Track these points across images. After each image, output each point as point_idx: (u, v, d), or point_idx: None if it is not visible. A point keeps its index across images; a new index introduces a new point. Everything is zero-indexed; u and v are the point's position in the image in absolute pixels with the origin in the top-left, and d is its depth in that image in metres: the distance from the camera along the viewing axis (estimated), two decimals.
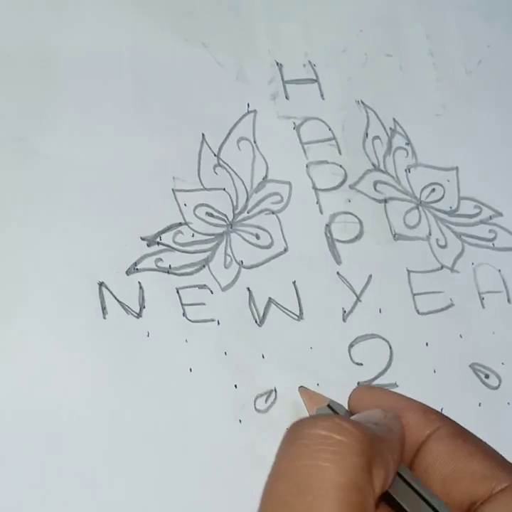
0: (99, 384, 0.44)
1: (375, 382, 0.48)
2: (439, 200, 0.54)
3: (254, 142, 0.53)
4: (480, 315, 0.52)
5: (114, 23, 0.53)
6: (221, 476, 0.44)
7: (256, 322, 0.48)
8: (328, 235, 0.51)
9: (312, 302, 0.49)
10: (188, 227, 0.49)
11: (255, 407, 0.46)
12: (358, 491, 0.27)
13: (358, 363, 0.48)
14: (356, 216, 0.52)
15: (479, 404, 0.49)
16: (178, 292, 0.47)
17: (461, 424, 0.47)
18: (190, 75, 0.53)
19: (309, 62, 0.56)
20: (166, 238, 0.48)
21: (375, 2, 0.59)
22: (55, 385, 0.44)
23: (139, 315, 0.46)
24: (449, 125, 0.57)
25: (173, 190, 0.50)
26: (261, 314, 0.48)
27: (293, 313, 0.49)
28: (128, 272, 0.47)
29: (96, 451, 0.43)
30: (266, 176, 0.52)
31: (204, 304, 0.47)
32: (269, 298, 0.49)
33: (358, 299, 0.50)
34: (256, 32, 0.56)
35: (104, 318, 0.46)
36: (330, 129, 0.55)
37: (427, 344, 0.50)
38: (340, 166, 0.54)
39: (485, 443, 0.33)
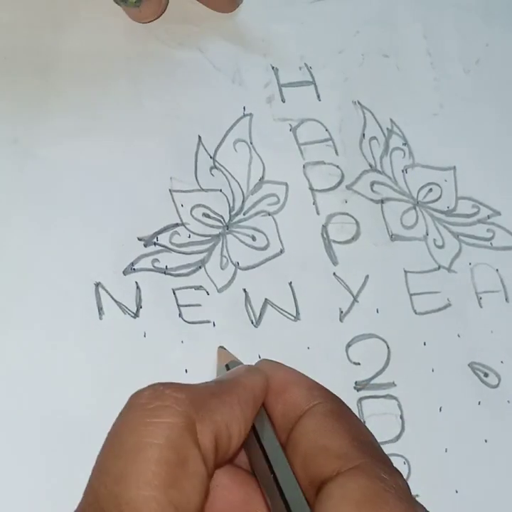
0: (95, 384, 0.44)
1: (373, 381, 0.48)
2: (437, 200, 0.54)
3: (251, 143, 0.53)
4: (478, 314, 0.51)
5: (109, 26, 0.54)
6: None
7: (252, 323, 0.48)
8: (325, 235, 0.51)
9: (309, 303, 0.49)
10: (185, 228, 0.49)
11: None
12: (173, 448, 0.28)
13: (355, 363, 0.48)
14: (353, 217, 0.52)
15: (479, 403, 0.49)
16: (174, 293, 0.47)
17: (462, 423, 0.48)
18: (186, 78, 0.54)
19: (305, 64, 0.56)
20: (163, 239, 0.49)
21: (372, 2, 0.59)
22: (51, 386, 0.44)
23: (136, 315, 0.46)
24: (447, 125, 0.57)
25: (170, 190, 0.50)
26: (257, 315, 0.48)
27: (289, 314, 0.49)
28: (125, 272, 0.47)
29: (92, 452, 0.42)
30: (262, 177, 0.52)
31: (200, 305, 0.48)
32: (266, 299, 0.49)
33: (355, 299, 0.50)
34: (251, 36, 0.56)
35: (101, 318, 0.46)
36: (326, 130, 0.55)
37: (424, 344, 0.50)
38: (337, 166, 0.54)
39: (361, 425, 0.32)
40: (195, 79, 0.54)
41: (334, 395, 0.33)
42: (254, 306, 0.48)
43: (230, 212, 0.51)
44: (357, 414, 0.47)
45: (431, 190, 0.55)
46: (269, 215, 0.51)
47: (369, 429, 0.46)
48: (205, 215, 0.50)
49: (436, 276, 0.52)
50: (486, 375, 0.50)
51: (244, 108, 0.54)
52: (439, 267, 0.52)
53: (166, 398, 0.29)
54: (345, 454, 0.29)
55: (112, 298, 0.46)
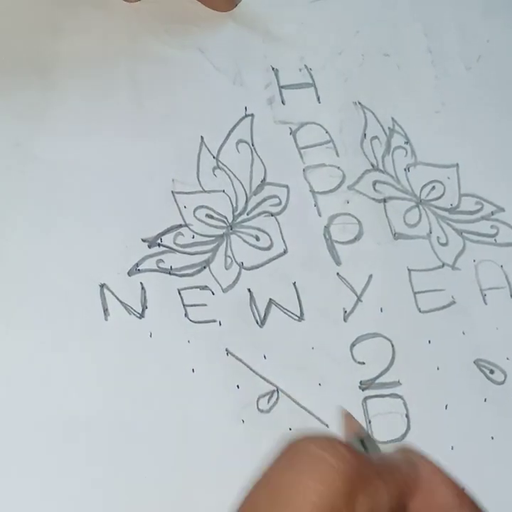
0: (101, 385, 0.44)
1: (378, 380, 0.48)
2: (440, 197, 0.54)
3: (252, 145, 0.53)
4: (482, 311, 0.51)
5: (109, 29, 0.54)
6: (224, 476, 0.43)
7: (257, 323, 0.48)
8: (327, 236, 0.51)
9: (313, 303, 0.49)
10: (189, 228, 0.49)
11: (258, 407, 0.46)
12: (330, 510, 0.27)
13: (360, 362, 0.48)
14: (355, 217, 0.53)
15: (485, 400, 0.49)
16: (179, 293, 0.47)
17: (468, 420, 0.48)
18: (188, 78, 0.54)
19: (305, 66, 0.57)
20: (167, 240, 0.49)
21: (372, 2, 0.60)
22: (57, 387, 0.44)
23: (141, 315, 0.46)
24: (449, 122, 0.57)
25: (172, 192, 0.50)
26: (262, 315, 0.48)
27: (294, 314, 0.49)
28: (130, 273, 0.47)
29: (99, 453, 0.43)
30: (264, 179, 0.52)
31: (206, 304, 0.47)
32: (270, 299, 0.49)
33: (359, 299, 0.50)
34: (251, 37, 0.56)
35: (106, 319, 0.46)
36: (327, 132, 0.55)
37: (429, 342, 0.50)
38: (338, 167, 0.54)
39: None
40: (197, 79, 0.54)
41: (476, 503, 0.33)
42: (259, 305, 0.48)
43: (233, 212, 0.51)
44: (362, 413, 0.47)
45: (434, 188, 0.55)
46: (272, 215, 0.51)
47: (374, 428, 0.46)
48: (208, 216, 0.50)
49: (441, 273, 0.52)
50: (491, 371, 0.50)
51: (245, 108, 0.54)
52: (443, 265, 0.52)
53: (338, 457, 0.28)
54: None
55: (118, 299, 0.46)
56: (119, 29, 0.54)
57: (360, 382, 0.48)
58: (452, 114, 0.57)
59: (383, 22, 0.59)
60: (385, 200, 0.53)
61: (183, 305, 0.47)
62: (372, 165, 0.54)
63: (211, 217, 0.50)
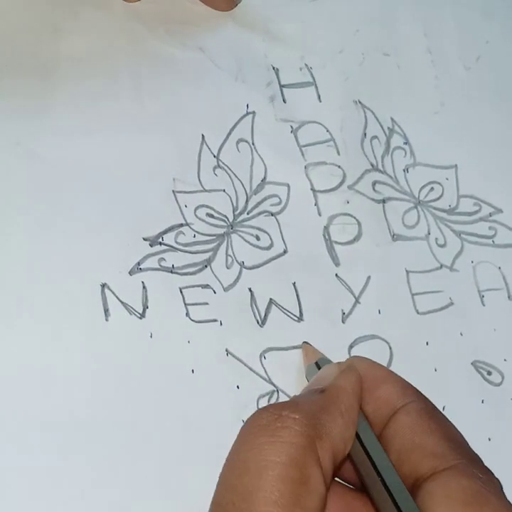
0: (101, 386, 0.44)
1: None
2: (438, 198, 0.55)
3: (253, 144, 0.53)
4: (480, 313, 0.52)
5: (109, 28, 0.54)
6: None
7: (258, 322, 0.48)
8: (327, 237, 0.52)
9: (312, 304, 0.49)
10: (190, 227, 0.49)
11: (258, 408, 0.45)
12: (297, 466, 0.29)
13: None
14: (354, 217, 0.53)
15: (482, 401, 0.49)
16: (181, 292, 0.47)
17: (465, 422, 0.48)
18: (188, 77, 0.54)
19: (306, 65, 0.57)
20: (168, 239, 0.48)
21: (372, 2, 0.60)
22: (57, 388, 0.43)
23: (142, 315, 0.46)
24: (448, 123, 0.57)
25: (173, 191, 0.50)
26: (262, 315, 0.48)
27: (293, 315, 0.49)
28: (131, 272, 0.47)
29: (98, 453, 0.43)
30: (264, 178, 0.52)
31: (207, 303, 0.47)
32: (270, 299, 0.49)
33: (357, 300, 0.50)
34: (252, 36, 0.56)
35: (107, 320, 0.45)
36: (327, 131, 0.55)
37: (427, 343, 0.50)
38: (339, 166, 0.54)
39: (452, 425, 0.34)
40: (197, 78, 0.54)
41: (424, 395, 0.35)
42: (260, 305, 0.48)
43: (233, 211, 0.51)
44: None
45: (432, 189, 0.55)
46: (272, 215, 0.51)
47: None
48: (209, 215, 0.50)
49: (439, 275, 0.52)
50: (489, 373, 0.50)
51: (247, 106, 0.54)
52: (441, 266, 0.52)
53: (285, 419, 0.30)
54: (442, 453, 0.31)
55: (118, 299, 0.46)
56: (119, 29, 0.54)
57: None
58: (451, 115, 0.57)
59: (383, 22, 0.59)
60: (384, 201, 0.53)
61: (185, 304, 0.47)
62: (372, 165, 0.54)
63: (212, 216, 0.50)
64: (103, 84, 0.52)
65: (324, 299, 0.50)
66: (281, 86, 0.55)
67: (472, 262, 0.53)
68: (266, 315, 0.48)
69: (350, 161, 0.54)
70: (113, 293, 0.46)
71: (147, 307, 0.46)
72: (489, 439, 0.48)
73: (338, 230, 0.52)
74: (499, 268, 0.53)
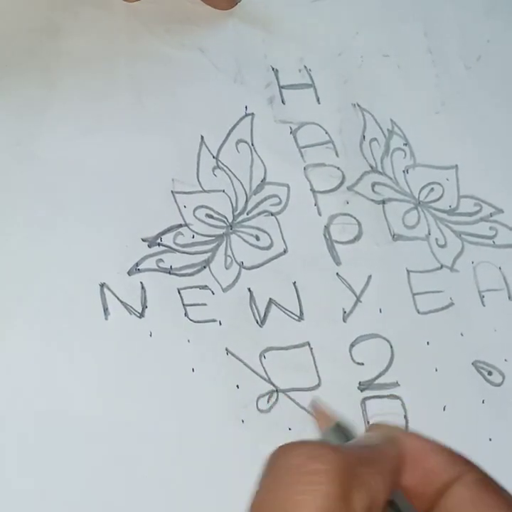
0: (101, 385, 0.44)
1: (377, 381, 0.48)
2: (438, 199, 0.55)
3: (252, 145, 0.53)
4: (481, 313, 0.52)
5: (109, 29, 0.54)
6: (224, 477, 0.43)
7: (257, 322, 0.48)
8: (327, 236, 0.52)
9: (312, 303, 0.49)
10: (188, 228, 0.49)
11: (257, 407, 0.46)
12: None
13: (359, 363, 0.48)
14: (355, 217, 0.53)
15: (483, 402, 0.49)
16: (179, 293, 0.47)
17: (466, 422, 0.48)
18: (187, 77, 0.54)
19: (305, 67, 0.57)
20: (167, 239, 0.49)
21: (372, 2, 0.60)
22: (57, 387, 0.44)
23: (141, 315, 0.46)
24: (449, 122, 0.57)
25: (172, 192, 0.50)
26: (262, 315, 0.48)
27: (293, 314, 0.49)
28: (130, 273, 0.47)
29: (98, 452, 0.43)
30: (264, 179, 0.52)
31: (205, 304, 0.47)
32: (270, 298, 0.49)
33: (358, 299, 0.50)
34: (252, 37, 0.56)
35: (106, 319, 0.45)
36: (326, 133, 0.55)
37: (427, 343, 0.50)
38: (338, 168, 0.54)
39: (509, 494, 0.31)
40: (197, 78, 0.54)
41: (473, 462, 0.32)
42: (259, 305, 0.48)
43: (233, 212, 0.51)
44: (361, 414, 0.47)
45: (432, 189, 0.55)
46: (272, 215, 0.51)
47: None
48: (208, 215, 0.50)
49: (439, 275, 0.52)
50: (489, 373, 0.50)
51: (246, 107, 0.54)
52: (441, 266, 0.52)
53: (323, 461, 0.27)
54: None
55: (118, 298, 0.46)
56: (119, 29, 0.54)
57: (359, 383, 0.48)
58: (452, 115, 0.57)
59: (383, 22, 0.59)
60: (384, 202, 0.53)
61: (183, 305, 0.47)
62: (371, 166, 0.54)
63: (211, 217, 0.50)
64: (102, 86, 0.52)
65: (325, 298, 0.50)
66: (281, 87, 0.55)
67: (472, 262, 0.53)
68: (265, 315, 0.48)
69: (349, 163, 0.54)
70: (112, 293, 0.46)
71: (146, 307, 0.46)
72: (490, 439, 0.48)
73: (338, 229, 0.52)
74: (500, 268, 0.53)
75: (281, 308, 0.49)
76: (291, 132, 0.54)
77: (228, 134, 0.53)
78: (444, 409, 0.48)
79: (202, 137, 0.52)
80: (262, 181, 0.52)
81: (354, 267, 0.51)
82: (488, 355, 0.50)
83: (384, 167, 0.55)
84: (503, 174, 0.56)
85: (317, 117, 0.55)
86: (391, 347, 0.49)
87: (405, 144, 0.56)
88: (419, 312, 0.51)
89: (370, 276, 0.51)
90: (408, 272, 0.52)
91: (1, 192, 0.48)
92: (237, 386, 0.46)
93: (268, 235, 0.50)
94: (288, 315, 0.49)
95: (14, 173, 0.48)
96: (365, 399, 0.48)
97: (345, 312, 0.50)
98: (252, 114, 0.54)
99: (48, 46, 0.52)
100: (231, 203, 0.51)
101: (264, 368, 0.47)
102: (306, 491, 0.26)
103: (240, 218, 0.51)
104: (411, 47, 0.59)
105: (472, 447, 0.47)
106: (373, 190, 0.54)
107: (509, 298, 0.52)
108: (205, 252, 0.49)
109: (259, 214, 0.51)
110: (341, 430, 0.35)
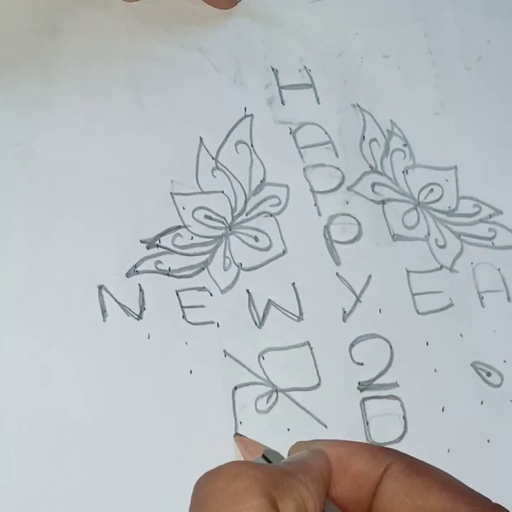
0: (99, 387, 0.44)
1: (376, 381, 0.48)
2: (438, 200, 0.55)
3: (251, 146, 0.53)
4: (480, 314, 0.52)
5: (109, 29, 0.54)
6: None
7: (256, 324, 0.48)
8: (327, 236, 0.52)
9: (312, 303, 0.49)
10: (187, 230, 0.49)
11: (256, 408, 0.46)
12: None
13: (358, 363, 0.48)
14: (354, 217, 0.53)
15: (481, 403, 0.49)
16: (177, 294, 0.47)
17: (464, 423, 0.48)
18: (187, 78, 0.54)
19: (305, 67, 0.57)
20: (165, 241, 0.49)
21: (372, 2, 0.59)
22: (55, 389, 0.44)
23: (139, 317, 0.46)
24: (448, 123, 0.57)
25: (171, 193, 0.50)
26: (261, 316, 0.48)
27: (293, 315, 0.49)
28: (128, 274, 0.47)
29: (96, 454, 0.43)
30: (263, 179, 0.52)
31: (203, 306, 0.47)
32: (269, 299, 0.49)
33: (358, 299, 0.50)
34: (251, 37, 0.56)
35: (104, 321, 0.46)
36: (326, 133, 0.55)
37: (427, 343, 0.50)
38: (338, 168, 0.54)
39: (441, 471, 0.31)
40: (196, 79, 0.54)
41: (396, 450, 0.32)
42: (258, 306, 0.48)
43: (232, 213, 0.51)
44: (360, 414, 0.47)
45: (432, 190, 0.55)
46: (271, 216, 0.51)
47: (372, 430, 0.47)
48: (207, 217, 0.50)
49: (439, 276, 0.52)
50: (488, 374, 0.50)
51: (245, 109, 0.54)
52: (441, 267, 0.52)
53: (245, 478, 0.27)
54: (452, 509, 0.29)
55: (116, 300, 0.46)
56: (119, 29, 0.54)
57: (359, 383, 0.48)
58: (452, 116, 0.57)
59: (383, 22, 0.59)
60: (383, 202, 0.53)
61: (181, 306, 0.47)
62: (371, 167, 0.54)
63: (210, 218, 0.50)
64: (102, 86, 0.52)
65: (325, 298, 0.50)
66: (280, 87, 0.55)
67: (472, 263, 0.53)
68: (264, 316, 0.48)
69: (349, 164, 0.54)
70: (110, 294, 0.46)
71: (144, 309, 0.46)
72: (488, 441, 0.48)
73: (338, 229, 0.52)
74: (499, 270, 0.53)
75: (280, 309, 0.49)
76: (290, 133, 0.54)
77: (227, 135, 0.53)
78: (442, 410, 0.48)
79: (201, 138, 0.52)
80: (261, 182, 0.52)
81: (354, 267, 0.51)
82: (487, 356, 0.50)
83: (384, 167, 0.55)
84: (503, 175, 0.56)
85: (317, 118, 0.55)
86: (391, 347, 0.49)
87: (405, 145, 0.56)
88: (418, 312, 0.51)
89: (369, 277, 0.51)
90: (408, 272, 0.52)
91: (1, 191, 0.47)
92: (235, 387, 0.46)
93: (267, 235, 0.50)
94: (287, 315, 0.49)
95: (13, 173, 0.48)
96: (364, 399, 0.48)
97: (345, 312, 0.50)
98: (251, 115, 0.54)
99: (47, 46, 0.52)
100: (230, 204, 0.51)
101: (262, 368, 0.47)
102: (238, 510, 0.26)
103: (239, 219, 0.51)
104: (411, 47, 0.59)
105: (471, 448, 0.48)
106: (373, 190, 0.54)
107: (508, 299, 0.52)
108: (204, 253, 0.49)
109: (258, 215, 0.51)
110: (271, 457, 0.35)
